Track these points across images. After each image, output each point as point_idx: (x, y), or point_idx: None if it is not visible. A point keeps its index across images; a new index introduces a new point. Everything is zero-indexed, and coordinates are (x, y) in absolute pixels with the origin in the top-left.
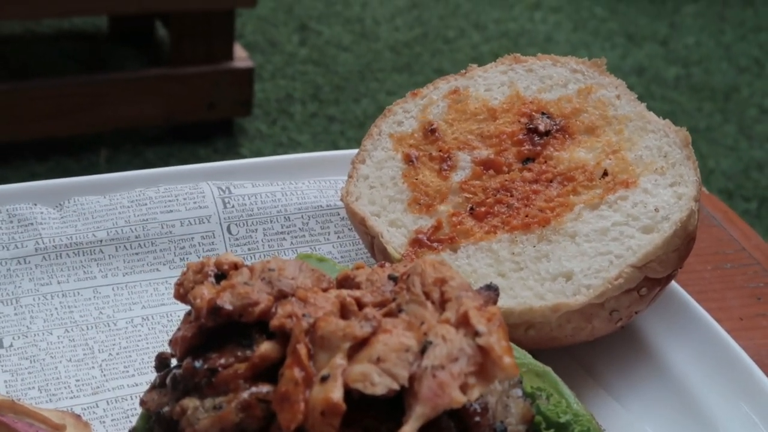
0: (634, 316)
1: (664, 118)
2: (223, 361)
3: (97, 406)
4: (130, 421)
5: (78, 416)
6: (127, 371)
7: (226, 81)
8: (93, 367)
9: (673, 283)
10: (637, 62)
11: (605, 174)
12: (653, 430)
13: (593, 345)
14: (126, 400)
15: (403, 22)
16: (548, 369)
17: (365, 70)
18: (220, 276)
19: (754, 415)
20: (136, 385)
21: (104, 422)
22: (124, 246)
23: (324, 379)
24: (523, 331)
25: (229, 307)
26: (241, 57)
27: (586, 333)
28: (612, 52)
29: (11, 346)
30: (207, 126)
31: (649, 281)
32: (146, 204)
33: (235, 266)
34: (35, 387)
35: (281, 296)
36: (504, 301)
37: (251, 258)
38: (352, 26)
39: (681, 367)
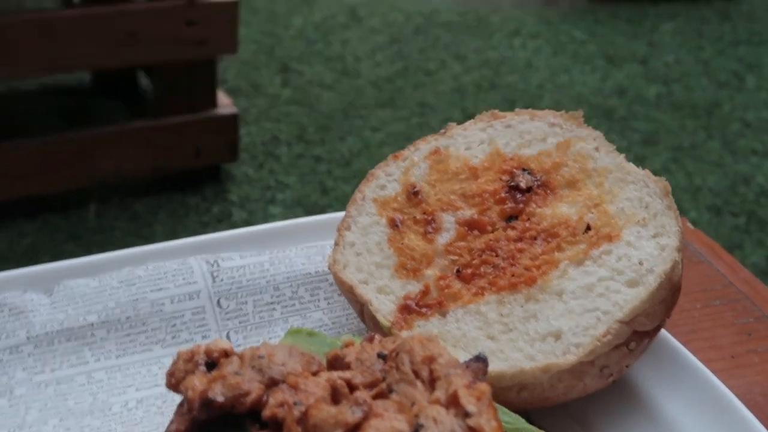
0: (624, 369)
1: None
2: None
3: None
4: None
5: None
6: None
7: (211, 128)
8: None
9: (662, 330)
10: (617, 83)
11: (588, 228)
12: None
13: (587, 400)
14: None
15: (384, 58)
16: None
17: (349, 107)
18: (211, 364)
19: None
20: None
21: None
22: (116, 328)
23: None
24: (515, 393)
25: (221, 399)
26: (224, 104)
27: (578, 390)
28: (592, 74)
29: None
30: (194, 174)
31: (637, 335)
32: (135, 283)
33: (225, 353)
34: None
35: (272, 384)
36: (495, 365)
37: (243, 330)
38: (334, 64)
39: (674, 417)
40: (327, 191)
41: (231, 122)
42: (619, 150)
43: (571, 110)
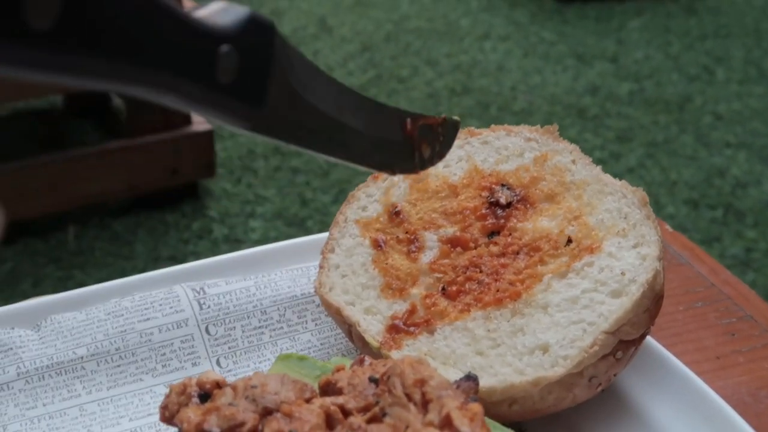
0: (612, 378)
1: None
2: None
3: None
4: None
5: None
6: None
7: (187, 146)
8: None
9: (648, 337)
10: (589, 82)
11: (569, 241)
12: None
13: (578, 409)
14: None
15: (356, 66)
16: None
17: None
18: (204, 396)
19: None
20: None
21: None
22: (105, 360)
23: None
24: (507, 406)
25: (216, 430)
26: (199, 120)
27: (568, 401)
28: (564, 74)
29: None
30: (172, 192)
31: (623, 344)
32: (123, 315)
33: (218, 385)
34: None
35: (266, 413)
36: (486, 380)
37: (233, 356)
38: None
39: (664, 422)
40: (306, 202)
41: (206, 139)
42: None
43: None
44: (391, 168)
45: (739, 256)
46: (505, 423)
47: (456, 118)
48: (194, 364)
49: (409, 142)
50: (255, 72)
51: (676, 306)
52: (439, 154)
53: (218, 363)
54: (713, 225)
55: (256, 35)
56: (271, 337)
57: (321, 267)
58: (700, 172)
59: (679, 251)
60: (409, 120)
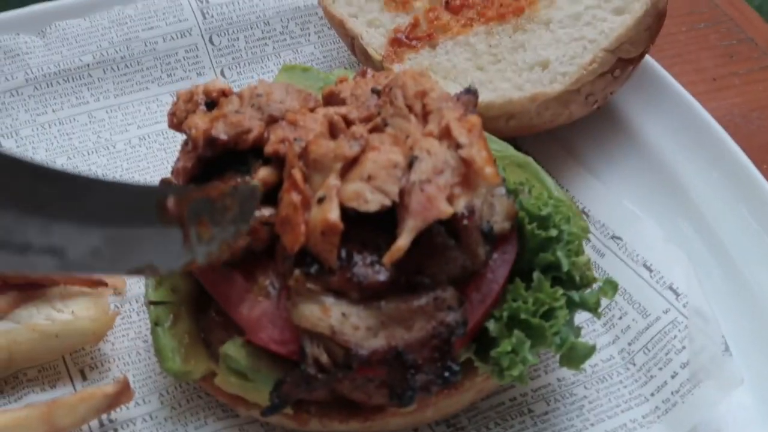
0: (609, 96)
1: None
2: None
3: None
4: None
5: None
6: None
7: None
8: None
9: (647, 57)
10: None
11: None
12: (630, 202)
13: (573, 126)
14: None
15: None
16: (529, 159)
17: None
18: (211, 103)
19: (725, 180)
20: None
21: None
22: (111, 68)
23: (320, 201)
24: (504, 122)
25: (224, 137)
26: None
27: (564, 117)
28: None
29: None
30: None
31: (622, 62)
32: (126, 23)
33: (224, 93)
34: None
35: (272, 121)
36: (485, 95)
37: (236, 66)
38: None
39: (656, 141)
40: None
41: None
42: None
43: None
44: (152, 268)
45: None
46: (502, 138)
47: (254, 182)
48: (198, 74)
49: (173, 226)
50: None
51: (679, 27)
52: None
53: (222, 73)
54: None
55: None
56: (274, 48)
57: None
58: None
59: None
60: (171, 199)
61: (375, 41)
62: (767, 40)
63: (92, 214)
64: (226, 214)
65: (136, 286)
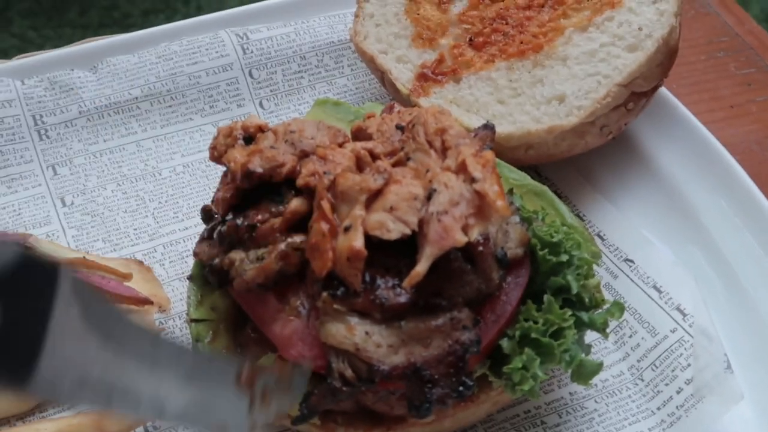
0: (623, 127)
1: None
2: (260, 217)
3: (155, 251)
4: (186, 262)
5: (140, 262)
6: (177, 216)
7: None
8: (146, 216)
9: (662, 88)
10: None
11: None
12: (643, 227)
13: (590, 155)
14: (179, 243)
15: None
16: (545, 188)
17: None
18: (248, 138)
19: (732, 207)
20: (186, 228)
21: (163, 264)
22: (158, 100)
23: (347, 230)
24: (523, 151)
25: (260, 170)
26: None
27: (580, 147)
28: None
29: (72, 203)
30: None
31: (635, 95)
32: (172, 58)
33: (260, 129)
34: (99, 239)
35: (304, 155)
36: (505, 127)
37: (274, 98)
38: None
39: (668, 169)
40: None
41: None
42: None
43: None
44: (225, 426)
45: None
46: (523, 166)
47: (306, 365)
48: (239, 105)
49: (244, 396)
50: (26, 324)
51: (698, 56)
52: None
53: (261, 105)
54: None
55: (29, 283)
56: (309, 81)
57: (356, 16)
58: None
59: (708, 0)
60: (245, 370)
61: (403, 76)
62: None
63: (189, 375)
64: (285, 388)
65: (180, 304)
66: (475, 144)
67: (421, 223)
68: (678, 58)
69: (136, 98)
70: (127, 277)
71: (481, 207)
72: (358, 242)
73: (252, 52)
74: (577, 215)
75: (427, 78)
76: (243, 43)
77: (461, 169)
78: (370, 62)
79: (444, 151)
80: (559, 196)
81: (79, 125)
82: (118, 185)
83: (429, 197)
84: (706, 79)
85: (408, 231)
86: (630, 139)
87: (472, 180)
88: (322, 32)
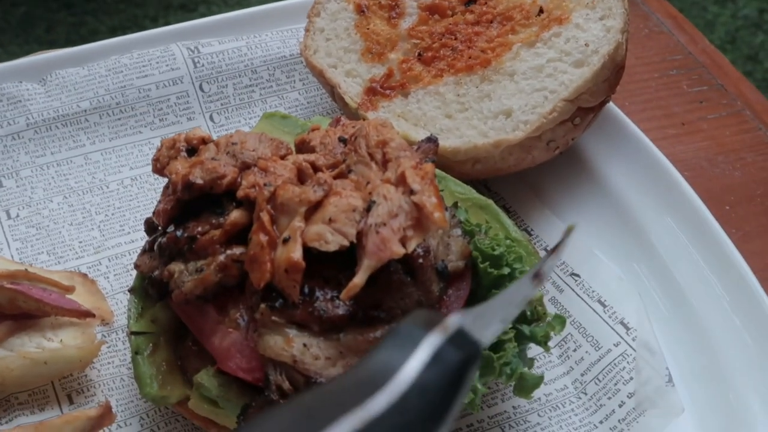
0: (570, 142)
1: None
2: (200, 228)
3: (100, 264)
4: (131, 275)
5: (84, 275)
6: (123, 229)
7: None
8: (92, 229)
9: (611, 104)
10: None
11: (541, 11)
12: (592, 243)
13: (540, 169)
14: (125, 256)
15: None
16: (490, 201)
17: None
18: (191, 150)
19: (678, 223)
20: (132, 241)
21: (108, 278)
22: (107, 113)
23: (285, 241)
24: (470, 166)
25: (200, 181)
26: None
27: (527, 162)
28: None
29: (18, 216)
30: None
31: (582, 111)
32: (122, 71)
33: (203, 141)
34: (44, 252)
35: (245, 167)
36: (452, 141)
37: (225, 112)
38: None
39: (616, 184)
40: None
41: None
42: None
43: None
44: None
45: (752, 17)
46: (472, 181)
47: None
48: (189, 119)
49: None
50: None
51: (651, 73)
52: None
53: (211, 118)
54: None
55: None
56: (261, 95)
57: (306, 30)
58: None
59: (663, 19)
60: None
61: (352, 90)
62: (737, 87)
63: None
64: None
65: (123, 317)
66: (416, 156)
67: (360, 235)
68: (631, 75)
69: (85, 111)
70: (70, 289)
71: (419, 219)
72: (297, 254)
73: (203, 65)
74: (525, 230)
75: (375, 92)
76: (194, 57)
77: (401, 181)
78: (320, 76)
79: (385, 164)
80: (507, 211)
81: (27, 137)
82: (64, 198)
83: (368, 209)
84: (658, 96)
85: (346, 243)
86: (580, 155)
87: (411, 192)
88: (274, 46)
